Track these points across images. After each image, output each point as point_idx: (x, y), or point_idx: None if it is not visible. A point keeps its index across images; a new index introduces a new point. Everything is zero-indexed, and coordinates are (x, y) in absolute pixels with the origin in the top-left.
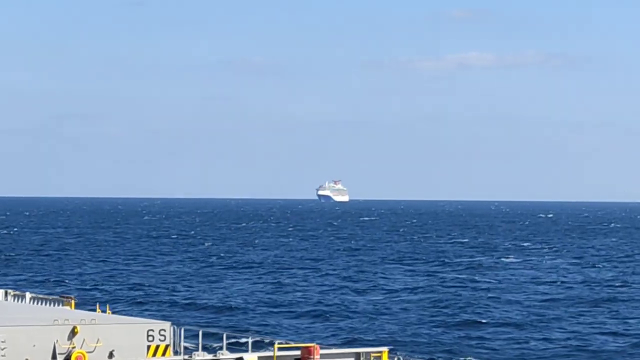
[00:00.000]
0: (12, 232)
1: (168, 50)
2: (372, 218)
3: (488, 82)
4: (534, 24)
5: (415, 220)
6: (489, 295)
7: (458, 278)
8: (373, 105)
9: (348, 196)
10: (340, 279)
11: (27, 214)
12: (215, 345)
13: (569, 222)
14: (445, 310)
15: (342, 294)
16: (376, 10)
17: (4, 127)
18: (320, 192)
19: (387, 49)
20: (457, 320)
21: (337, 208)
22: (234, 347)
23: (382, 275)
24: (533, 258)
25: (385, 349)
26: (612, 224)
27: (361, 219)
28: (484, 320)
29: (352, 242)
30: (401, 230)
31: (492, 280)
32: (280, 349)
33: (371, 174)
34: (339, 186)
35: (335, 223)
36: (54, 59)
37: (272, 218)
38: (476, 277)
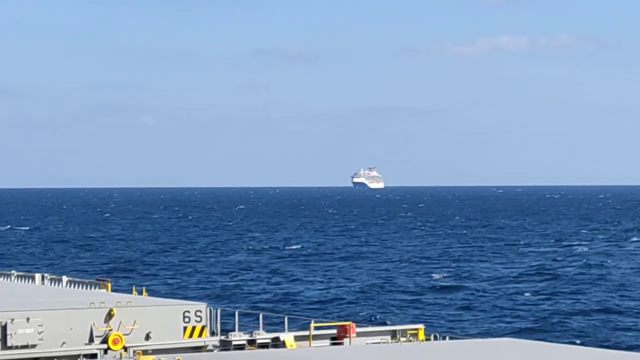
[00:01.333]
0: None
1: (201, 40)
2: (420, 205)
3: (521, 66)
4: (567, 7)
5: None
6: (580, 283)
7: (544, 265)
8: (407, 92)
9: (383, 183)
10: (429, 268)
11: (65, 207)
12: (252, 325)
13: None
14: (546, 299)
15: (438, 283)
16: None
17: (39, 119)
18: (356, 180)
19: (421, 36)
20: (560, 308)
21: (377, 195)
22: (270, 326)
23: (464, 263)
24: (604, 244)
25: (421, 326)
26: None
27: (404, 205)
28: (582, 308)
29: (416, 229)
30: (457, 217)
31: (576, 266)
32: (316, 327)
33: (405, 161)
34: (374, 173)
35: (384, 210)
36: (89, 50)
37: (323, 205)
38: (561, 265)
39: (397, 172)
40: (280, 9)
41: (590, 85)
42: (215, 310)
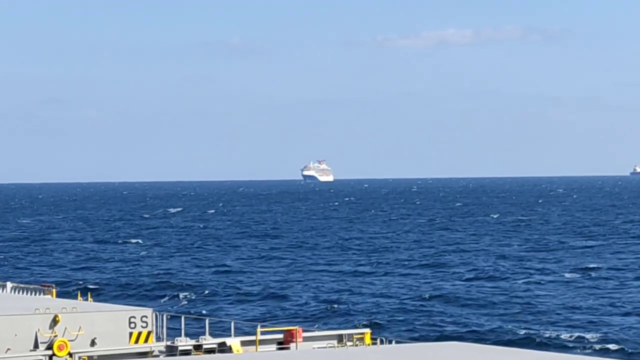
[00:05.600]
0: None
1: (145, 33)
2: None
3: (466, 59)
4: None
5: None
6: None
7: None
8: (354, 84)
9: (332, 176)
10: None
11: (12, 203)
12: (198, 330)
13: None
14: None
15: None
16: None
17: None
18: (305, 172)
19: (366, 28)
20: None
21: (327, 188)
22: (216, 332)
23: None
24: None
25: (367, 330)
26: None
27: (348, 198)
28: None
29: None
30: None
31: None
32: (263, 332)
33: (354, 153)
34: (324, 166)
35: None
36: (31, 43)
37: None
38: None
39: (346, 164)
40: (222, 1)
41: (535, 76)
42: (161, 316)
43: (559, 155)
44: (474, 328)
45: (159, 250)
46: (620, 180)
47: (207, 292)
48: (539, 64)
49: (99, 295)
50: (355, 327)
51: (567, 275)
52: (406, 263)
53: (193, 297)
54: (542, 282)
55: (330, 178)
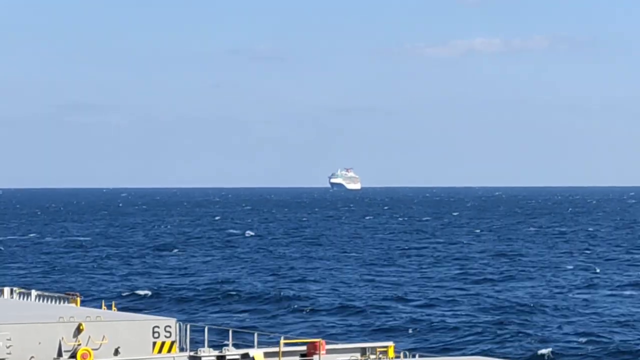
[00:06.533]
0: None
1: (174, 40)
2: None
3: (495, 67)
4: (540, 8)
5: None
6: None
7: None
8: (381, 93)
9: (360, 184)
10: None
11: (53, 205)
12: (221, 341)
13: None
14: None
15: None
16: None
17: (7, 116)
18: (333, 180)
19: (394, 36)
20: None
21: (355, 196)
22: (240, 343)
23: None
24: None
25: (391, 343)
26: None
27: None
28: None
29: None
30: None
31: None
32: (286, 344)
33: (381, 161)
34: (351, 174)
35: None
36: (61, 48)
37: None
38: None
39: (374, 173)
40: (252, 9)
41: (563, 85)
42: (185, 326)
43: (587, 165)
44: (549, 342)
45: (207, 259)
46: None
47: (258, 302)
48: (567, 73)
49: (147, 304)
50: (381, 341)
51: (630, 291)
52: (464, 277)
53: (242, 308)
54: (609, 295)
55: (357, 186)
